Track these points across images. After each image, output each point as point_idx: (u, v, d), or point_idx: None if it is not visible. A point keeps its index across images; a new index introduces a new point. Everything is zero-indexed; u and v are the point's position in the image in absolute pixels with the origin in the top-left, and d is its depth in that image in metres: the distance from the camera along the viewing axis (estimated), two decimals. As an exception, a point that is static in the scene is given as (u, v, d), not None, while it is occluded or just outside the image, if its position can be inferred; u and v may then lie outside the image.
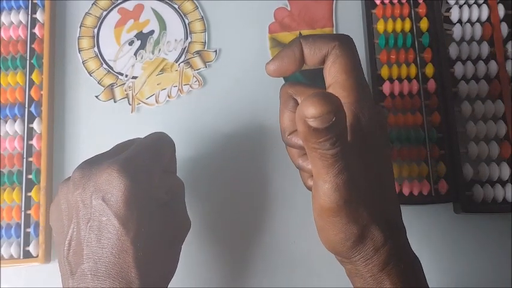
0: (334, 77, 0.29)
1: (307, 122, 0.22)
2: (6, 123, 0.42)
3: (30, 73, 0.42)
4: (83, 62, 0.44)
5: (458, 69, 0.40)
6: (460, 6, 0.42)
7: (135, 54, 0.44)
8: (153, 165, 0.31)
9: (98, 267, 0.27)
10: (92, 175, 0.29)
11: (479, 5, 0.41)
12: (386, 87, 0.40)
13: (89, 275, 0.27)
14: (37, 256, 0.39)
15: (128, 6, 0.45)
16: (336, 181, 0.25)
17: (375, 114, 0.29)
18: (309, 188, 0.32)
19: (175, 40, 0.44)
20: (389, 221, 0.28)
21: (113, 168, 0.28)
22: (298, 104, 0.31)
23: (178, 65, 0.43)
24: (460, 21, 0.42)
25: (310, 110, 0.22)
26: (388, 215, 0.28)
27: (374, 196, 0.27)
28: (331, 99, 0.22)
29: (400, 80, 0.41)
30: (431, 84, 0.40)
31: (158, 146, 0.33)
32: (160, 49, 0.44)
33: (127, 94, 0.43)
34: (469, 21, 0.42)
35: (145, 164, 0.30)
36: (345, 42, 0.29)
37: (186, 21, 0.44)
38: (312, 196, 0.27)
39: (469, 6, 0.42)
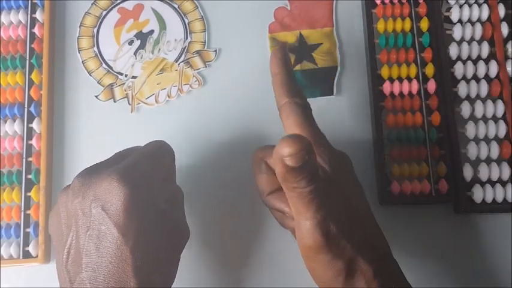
0: (289, 131, 0.30)
1: (285, 161, 0.24)
2: (5, 123, 0.42)
3: (30, 73, 0.42)
4: (82, 61, 0.44)
5: (459, 69, 0.40)
6: (461, 6, 0.42)
7: (135, 53, 0.44)
8: (153, 174, 0.31)
9: (96, 276, 0.27)
10: (92, 184, 0.29)
11: (479, 5, 0.41)
12: (386, 87, 0.40)
13: (88, 284, 0.27)
14: (37, 256, 0.39)
15: (128, 5, 0.45)
16: (316, 217, 0.26)
17: (336, 164, 0.30)
18: None
19: (175, 40, 0.44)
20: (374, 249, 0.29)
21: (112, 177, 0.28)
22: (270, 166, 0.33)
23: (178, 64, 0.43)
24: (460, 21, 0.42)
25: (286, 149, 0.24)
26: (372, 243, 0.29)
27: (353, 227, 0.28)
28: (303, 139, 0.24)
29: (400, 80, 0.41)
30: (432, 84, 0.40)
31: (158, 154, 0.33)
32: (160, 49, 0.44)
33: (127, 94, 0.43)
34: (469, 21, 0.42)
35: (145, 173, 0.30)
36: (293, 101, 0.31)
37: (186, 21, 0.44)
38: (297, 240, 0.28)
39: (470, 5, 0.41)
